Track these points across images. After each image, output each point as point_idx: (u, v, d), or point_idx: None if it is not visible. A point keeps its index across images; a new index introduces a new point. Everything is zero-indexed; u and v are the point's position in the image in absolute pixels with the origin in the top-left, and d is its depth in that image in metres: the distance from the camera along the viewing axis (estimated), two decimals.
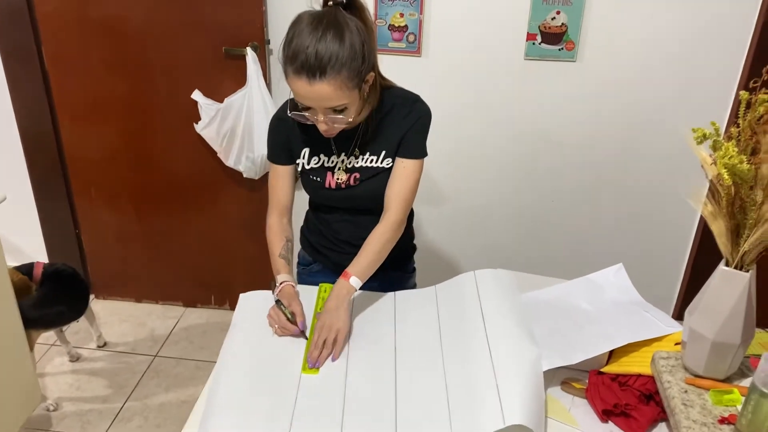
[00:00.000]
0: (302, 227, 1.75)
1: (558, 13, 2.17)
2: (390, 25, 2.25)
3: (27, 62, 2.39)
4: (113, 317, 2.78)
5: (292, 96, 1.37)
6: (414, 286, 1.77)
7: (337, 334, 1.33)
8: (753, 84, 0.97)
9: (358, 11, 1.33)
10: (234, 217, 2.62)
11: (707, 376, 1.14)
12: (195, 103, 2.35)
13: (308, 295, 1.50)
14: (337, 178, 1.51)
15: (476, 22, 2.22)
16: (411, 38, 2.27)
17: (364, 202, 1.54)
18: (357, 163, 1.50)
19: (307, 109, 1.33)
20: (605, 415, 1.21)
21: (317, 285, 1.55)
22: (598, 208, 2.46)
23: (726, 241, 1.04)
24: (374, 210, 1.53)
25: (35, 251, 2.81)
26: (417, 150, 1.49)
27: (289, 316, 1.38)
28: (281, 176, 1.56)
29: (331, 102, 1.29)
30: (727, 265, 1.06)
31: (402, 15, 2.24)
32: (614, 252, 2.50)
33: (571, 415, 1.23)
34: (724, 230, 1.03)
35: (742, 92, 1.00)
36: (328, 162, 1.51)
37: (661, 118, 2.27)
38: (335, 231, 1.63)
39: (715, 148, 0.94)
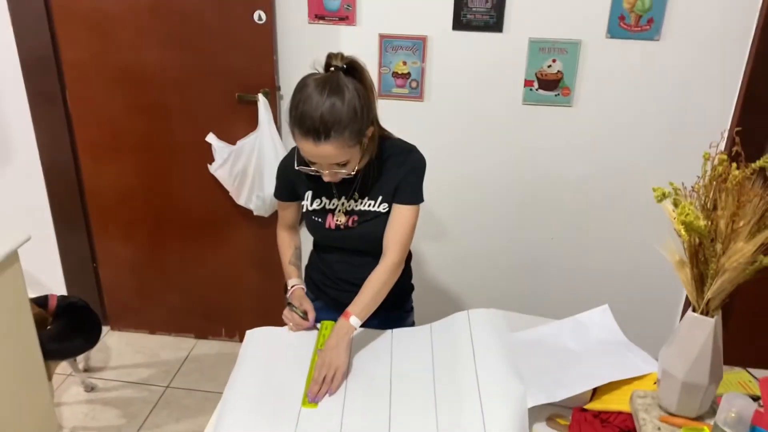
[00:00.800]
0: (306, 266, 1.85)
1: (554, 61, 2.28)
2: (393, 72, 2.37)
3: (52, 105, 2.53)
4: (128, 348, 2.88)
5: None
6: (412, 324, 1.85)
7: (336, 372, 1.42)
8: (712, 146, 1.06)
9: (358, 73, 1.45)
10: (244, 252, 2.73)
11: (680, 414, 1.21)
12: (209, 145, 2.47)
13: (309, 334, 1.61)
14: (337, 220, 1.63)
15: (476, 69, 2.33)
16: (413, 84, 2.39)
17: (362, 243, 1.65)
18: (356, 206, 1.61)
19: (313, 163, 1.48)
20: None
21: (319, 320, 1.65)
22: (594, 249, 2.54)
23: (692, 288, 1.12)
24: (371, 251, 1.64)
25: (54, 284, 2.93)
26: (413, 196, 1.60)
27: (301, 315, 1.60)
28: (287, 208, 1.76)
29: (334, 159, 1.43)
30: (693, 311, 1.14)
31: (405, 63, 2.36)
32: (608, 292, 2.57)
33: None
34: (689, 278, 1.12)
35: (704, 152, 1.09)
36: (329, 204, 1.63)
37: (654, 162, 2.36)
38: (335, 270, 1.74)
39: (675, 204, 1.03)
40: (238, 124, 2.44)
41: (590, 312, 1.57)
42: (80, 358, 2.69)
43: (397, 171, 1.59)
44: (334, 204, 1.63)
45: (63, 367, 2.71)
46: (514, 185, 2.48)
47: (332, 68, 1.43)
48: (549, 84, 2.32)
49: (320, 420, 1.33)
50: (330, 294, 1.76)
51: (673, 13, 2.16)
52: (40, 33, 2.42)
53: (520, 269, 2.62)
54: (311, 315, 1.61)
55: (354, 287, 1.60)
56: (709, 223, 1.02)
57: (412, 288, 1.87)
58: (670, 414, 1.22)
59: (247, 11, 2.30)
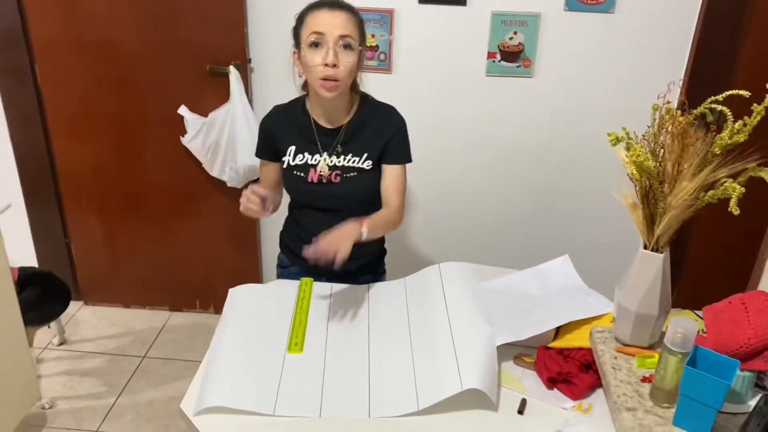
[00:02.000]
0: (281, 232, 1.92)
1: (515, 33, 2.39)
2: None
3: (21, 80, 2.54)
4: (102, 322, 2.91)
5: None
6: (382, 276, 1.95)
7: (336, 253, 1.44)
8: (660, 97, 1.17)
9: None
10: (218, 224, 2.78)
11: (633, 344, 1.33)
12: (181, 117, 2.52)
13: (290, 289, 1.68)
14: (320, 172, 1.69)
15: (441, 41, 2.42)
16: (382, 57, 2.47)
17: (342, 200, 1.71)
18: (339, 162, 1.70)
19: (318, 47, 1.53)
20: (550, 382, 1.39)
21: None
22: (556, 212, 2.67)
23: (643, 227, 1.24)
24: (349, 210, 1.66)
25: (26, 259, 2.94)
26: (404, 156, 1.73)
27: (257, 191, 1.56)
28: (267, 171, 1.79)
29: (344, 29, 1.53)
30: (645, 248, 1.26)
31: (373, 36, 2.43)
32: (569, 246, 2.70)
33: (522, 384, 1.41)
34: (641, 218, 1.23)
35: (653, 103, 1.20)
36: (311, 160, 1.70)
37: (610, 125, 2.48)
38: (311, 233, 1.74)
39: (627, 149, 1.14)
40: (210, 96, 2.49)
41: (552, 262, 1.69)
42: (55, 331, 2.72)
43: (380, 129, 1.69)
44: (316, 159, 1.70)
45: (38, 340, 2.74)
46: (479, 154, 2.59)
47: None
48: (511, 56, 2.43)
49: (304, 365, 1.41)
50: (307, 261, 1.81)
51: None
52: (7, 5, 2.41)
53: (486, 234, 2.74)
54: (267, 196, 1.57)
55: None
56: (658, 164, 1.14)
57: (384, 252, 1.96)
58: (625, 345, 1.35)
59: None
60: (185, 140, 2.53)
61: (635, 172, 1.13)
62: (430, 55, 2.45)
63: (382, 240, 1.91)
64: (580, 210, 2.65)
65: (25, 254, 2.92)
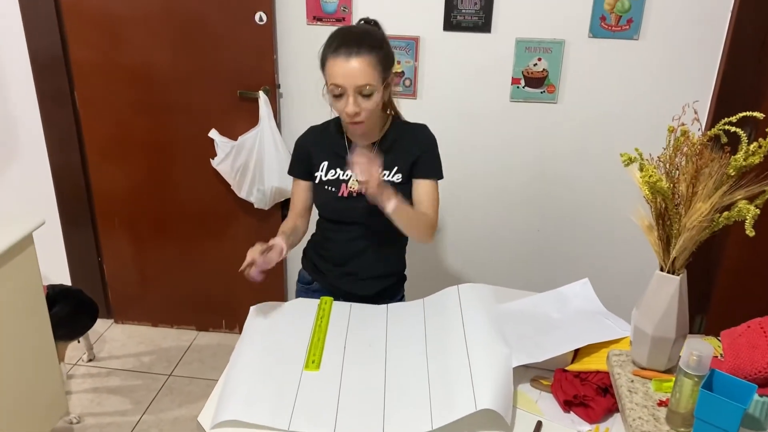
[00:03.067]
0: (305, 248, 1.95)
1: (539, 59, 2.41)
2: None
3: (61, 104, 2.65)
4: (131, 340, 2.97)
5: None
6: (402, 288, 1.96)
7: (368, 182, 1.49)
8: (674, 119, 1.18)
9: (381, 30, 1.70)
10: (245, 245, 2.80)
11: (650, 367, 1.32)
12: (212, 140, 2.59)
13: (310, 307, 1.70)
14: (351, 187, 1.72)
15: (466, 67, 2.46)
16: (407, 83, 2.51)
17: (370, 213, 1.67)
18: None
19: (340, 94, 1.56)
20: (566, 405, 1.38)
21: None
22: (579, 233, 2.65)
23: (659, 249, 1.23)
24: (379, 226, 1.66)
25: (59, 277, 3.03)
26: (436, 170, 1.75)
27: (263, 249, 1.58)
28: (300, 189, 1.82)
29: (362, 78, 1.53)
30: (661, 270, 1.25)
31: (399, 62, 2.48)
32: (592, 271, 2.67)
33: (538, 407, 1.40)
34: (656, 240, 1.23)
35: (669, 125, 1.21)
36: (343, 175, 1.74)
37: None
38: (336, 251, 1.82)
39: (640, 169, 1.14)
40: (240, 120, 2.56)
41: (571, 285, 1.69)
42: (84, 348, 2.78)
43: (411, 144, 1.73)
44: (348, 175, 1.73)
45: (68, 357, 2.81)
46: (503, 179, 2.60)
47: (360, 21, 1.69)
48: (535, 82, 2.45)
49: (321, 382, 1.43)
50: (327, 277, 1.86)
51: (651, 14, 2.30)
52: (50, 33, 2.53)
53: (508, 261, 2.73)
54: (276, 246, 1.61)
55: (351, 276, 1.74)
56: (672, 185, 1.14)
57: (404, 278, 1.96)
58: (642, 368, 1.33)
59: (248, 13, 2.42)
60: (215, 163, 2.60)
61: (648, 192, 1.13)
62: (454, 80, 2.49)
63: (402, 265, 1.93)
64: (604, 235, 2.64)
65: (59, 272, 3.01)
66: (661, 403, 1.24)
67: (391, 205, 1.55)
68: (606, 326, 1.52)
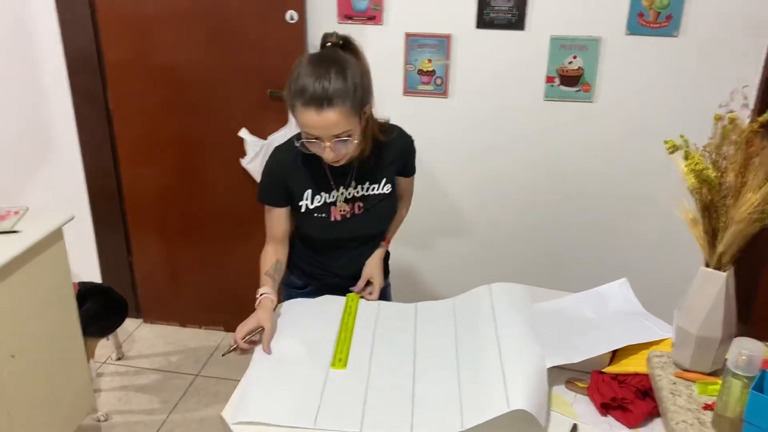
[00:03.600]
0: (291, 255, 1.80)
1: (575, 57, 2.35)
2: (419, 69, 2.46)
3: (94, 103, 2.67)
4: (159, 339, 2.97)
5: (293, 135, 1.59)
6: (388, 287, 1.92)
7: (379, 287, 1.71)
8: (722, 107, 1.12)
9: (354, 53, 1.52)
10: None
11: (694, 369, 1.25)
12: (241, 140, 2.58)
13: (336, 305, 1.66)
14: (341, 210, 1.66)
15: (499, 66, 2.41)
16: (438, 81, 2.47)
17: (369, 227, 1.73)
18: (357, 193, 1.67)
19: (315, 139, 1.47)
20: (604, 408, 1.32)
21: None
22: (615, 239, 2.58)
23: (704, 243, 1.17)
24: (372, 237, 1.77)
25: (91, 277, 3.04)
26: (413, 169, 1.81)
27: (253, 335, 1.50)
28: (277, 217, 1.69)
29: (337, 128, 1.44)
30: (706, 266, 1.19)
31: (430, 61, 2.45)
32: (630, 271, 2.60)
33: (573, 409, 1.34)
34: (702, 234, 1.17)
35: (715, 114, 1.15)
36: (329, 198, 1.65)
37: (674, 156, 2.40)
38: (332, 265, 1.78)
39: (685, 157, 1.09)
40: (270, 119, 2.55)
41: (609, 285, 1.62)
42: (113, 347, 2.79)
43: (393, 152, 1.69)
44: (334, 196, 1.65)
45: (98, 355, 2.81)
46: (537, 180, 2.54)
47: (329, 44, 1.51)
48: (570, 80, 2.39)
49: (348, 381, 1.39)
50: (324, 281, 1.79)
51: (692, 9, 2.22)
52: (85, 34, 2.56)
53: (542, 264, 2.67)
54: (266, 333, 1.50)
55: (351, 277, 1.74)
56: (719, 174, 1.08)
57: (388, 254, 1.90)
58: (685, 370, 1.27)
59: (279, 11, 2.41)
60: (244, 162, 2.59)
61: (694, 181, 1.07)
62: (487, 79, 2.44)
63: (387, 258, 1.91)
64: (641, 236, 2.55)
65: (90, 272, 3.03)
66: (706, 407, 1.17)
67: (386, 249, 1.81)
68: (645, 327, 1.46)
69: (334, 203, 1.66)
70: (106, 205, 2.87)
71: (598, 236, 2.59)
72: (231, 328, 3.01)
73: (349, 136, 1.47)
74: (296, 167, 1.63)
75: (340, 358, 1.46)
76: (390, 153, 1.69)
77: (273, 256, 1.70)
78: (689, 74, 2.30)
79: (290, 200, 1.66)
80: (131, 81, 2.61)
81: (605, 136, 2.44)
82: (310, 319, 1.61)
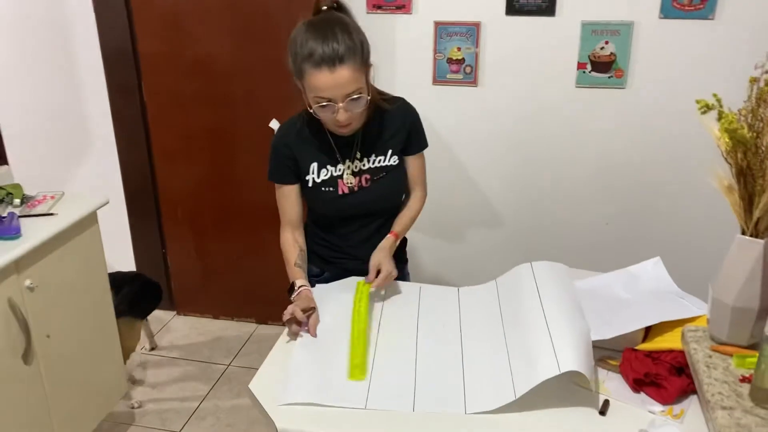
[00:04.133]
0: (307, 240, 1.79)
1: (606, 42, 2.31)
2: (448, 58, 2.45)
3: (129, 96, 2.72)
4: (192, 331, 3.00)
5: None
6: (407, 275, 1.90)
7: (388, 275, 1.58)
8: (757, 68, 1.09)
9: (346, 11, 1.55)
10: None
11: (731, 342, 1.21)
12: (272, 131, 2.59)
13: (345, 288, 1.63)
14: (348, 182, 1.64)
15: (529, 53, 2.38)
16: (468, 70, 2.46)
17: (378, 201, 1.69)
18: (363, 165, 1.65)
19: (327, 102, 1.45)
20: (637, 385, 1.29)
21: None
22: (650, 230, 2.52)
23: (740, 210, 1.13)
24: (385, 211, 1.73)
25: (126, 269, 3.10)
26: (422, 143, 1.74)
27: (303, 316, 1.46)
28: (288, 195, 1.69)
29: (350, 86, 1.44)
30: (743, 234, 1.15)
31: (459, 49, 2.43)
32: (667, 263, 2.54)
33: (605, 387, 1.31)
34: (737, 200, 1.13)
35: (750, 77, 1.11)
36: (336, 171, 1.64)
37: (710, 143, 2.33)
38: (347, 244, 1.74)
39: (719, 117, 1.05)
40: (299, 109, 2.55)
41: (642, 264, 1.59)
42: (146, 337, 2.83)
43: (399, 123, 1.66)
44: (340, 169, 1.64)
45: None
46: (568, 169, 2.50)
47: (323, 8, 1.53)
48: (602, 66, 2.35)
49: (395, 363, 1.38)
50: (342, 264, 1.76)
51: None
52: (121, 28, 2.61)
53: (576, 253, 2.62)
54: (313, 318, 1.49)
55: (365, 261, 1.63)
56: (755, 136, 1.04)
57: (405, 240, 1.88)
58: (721, 344, 1.23)
59: (308, 2, 2.42)
60: None
61: (728, 141, 1.04)
62: (517, 67, 2.42)
63: (403, 246, 1.88)
64: (677, 224, 2.49)
65: (125, 264, 3.08)
66: (743, 379, 1.13)
67: (396, 243, 1.70)
68: (680, 304, 1.42)
69: (341, 176, 1.64)
70: (141, 198, 2.92)
71: (634, 224, 2.53)
72: (262, 319, 3.05)
73: (360, 93, 1.47)
74: (301, 141, 1.63)
75: (356, 364, 1.36)
76: (393, 122, 1.66)
77: (295, 245, 1.70)
78: (725, 58, 2.24)
79: (298, 176, 1.66)
80: (165, 74, 2.66)
81: (639, 124, 2.38)
82: (335, 305, 1.58)
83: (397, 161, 1.68)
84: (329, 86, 1.43)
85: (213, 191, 2.84)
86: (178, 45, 2.60)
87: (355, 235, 1.73)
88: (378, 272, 1.60)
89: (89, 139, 2.85)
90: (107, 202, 1.97)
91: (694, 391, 1.25)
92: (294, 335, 1.48)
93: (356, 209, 1.69)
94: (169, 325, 3.05)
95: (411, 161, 1.72)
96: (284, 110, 2.57)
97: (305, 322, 1.47)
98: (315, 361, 1.39)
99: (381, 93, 1.66)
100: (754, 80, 1.11)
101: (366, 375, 1.34)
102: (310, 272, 1.80)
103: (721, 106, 1.06)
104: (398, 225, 1.72)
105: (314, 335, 1.47)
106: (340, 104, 1.45)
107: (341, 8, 1.55)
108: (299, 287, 1.59)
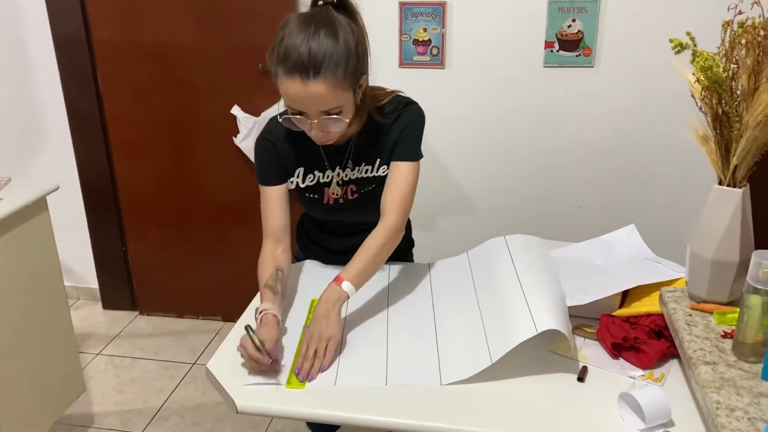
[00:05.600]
0: (297, 228, 1.70)
1: (574, 20, 2.28)
2: (414, 39, 2.40)
3: (84, 85, 2.61)
4: (156, 330, 2.88)
5: (279, 110, 1.43)
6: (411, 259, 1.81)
7: (327, 343, 1.23)
8: (730, 9, 1.05)
9: (350, 14, 1.30)
10: None
11: (711, 300, 1.16)
12: (234, 117, 2.52)
13: (300, 310, 1.45)
14: (333, 193, 1.48)
15: (496, 33, 2.34)
16: (435, 51, 2.41)
17: (365, 214, 1.49)
18: (352, 175, 1.47)
19: (299, 114, 1.27)
20: (615, 350, 1.23)
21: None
22: (621, 207, 2.48)
23: (717, 159, 1.09)
24: (374, 225, 1.42)
25: (85, 269, 2.98)
26: (411, 152, 1.43)
27: (258, 345, 1.18)
28: (274, 200, 1.46)
29: (325, 104, 1.23)
30: (720, 184, 1.11)
31: (425, 30, 2.38)
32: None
33: (583, 354, 1.26)
34: (714, 149, 1.09)
35: (723, 21, 1.07)
36: (323, 177, 1.47)
37: (676, 114, 2.31)
38: (334, 248, 1.62)
39: (693, 56, 1.01)
40: (262, 95, 2.48)
41: (616, 232, 1.55)
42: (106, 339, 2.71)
43: (393, 128, 1.43)
44: (328, 176, 1.47)
45: (90, 346, 2.74)
46: (538, 150, 2.46)
47: (320, 2, 1.29)
48: (570, 45, 2.32)
49: (365, 341, 1.32)
50: (322, 260, 1.66)
51: None
52: (72, 13, 2.51)
53: (548, 237, 2.57)
54: (269, 346, 1.20)
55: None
56: (730, 75, 1.00)
57: (412, 243, 1.79)
58: (701, 302, 1.18)
59: None
60: (237, 140, 2.52)
61: (704, 80, 0.99)
62: (484, 47, 2.37)
63: (409, 228, 1.72)
64: (649, 202, 2.46)
65: (84, 264, 2.97)
66: (725, 335, 1.09)
67: (351, 293, 1.32)
68: (656, 268, 1.37)
69: (328, 184, 1.47)
70: (98, 192, 2.80)
71: (605, 204, 2.50)
72: (229, 317, 2.94)
73: (339, 113, 1.26)
74: (289, 140, 1.43)
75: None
76: (391, 128, 1.43)
77: (271, 263, 1.43)
78: (697, 34, 2.22)
79: (286, 176, 1.46)
80: (121, 62, 2.55)
81: (608, 102, 2.35)
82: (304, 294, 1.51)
83: (386, 172, 1.45)
84: (300, 99, 1.23)
85: (175, 184, 2.73)
86: (135, 30, 2.50)
87: (344, 242, 1.58)
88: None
89: (42, 131, 2.73)
90: (57, 188, 1.86)
91: (674, 355, 1.20)
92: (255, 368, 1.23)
93: (340, 218, 1.55)
94: (132, 326, 2.92)
95: (391, 170, 1.43)
96: (249, 98, 2.51)
97: (266, 361, 1.19)
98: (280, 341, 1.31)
99: (381, 98, 1.43)
100: (726, 23, 1.06)
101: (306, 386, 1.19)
102: (297, 255, 1.71)
103: (695, 45, 1.02)
104: (348, 269, 1.34)
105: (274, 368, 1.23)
106: (314, 120, 1.26)
107: (343, 5, 1.30)
108: (261, 312, 1.32)
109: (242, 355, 1.23)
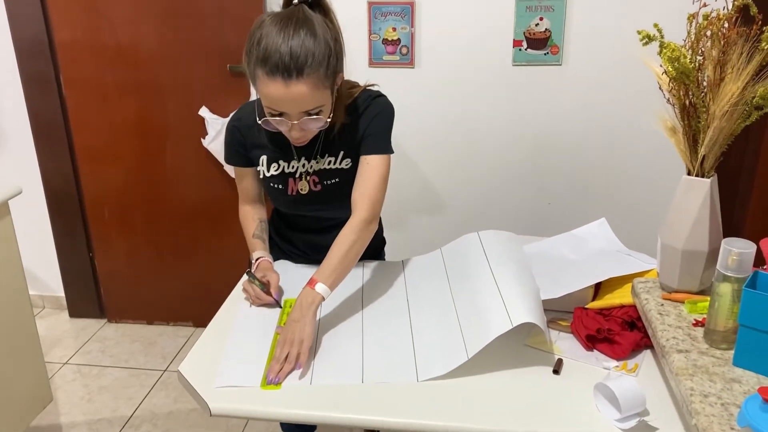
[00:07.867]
0: (269, 224, 1.67)
1: (541, 19, 2.30)
2: (384, 39, 2.39)
3: (46, 88, 2.55)
4: (125, 338, 2.82)
5: (253, 100, 1.42)
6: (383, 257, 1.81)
7: (301, 346, 1.21)
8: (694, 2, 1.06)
9: (325, 12, 1.29)
10: (241, 234, 2.69)
11: (682, 289, 1.17)
12: (202, 119, 2.48)
13: (272, 311, 1.42)
14: (300, 187, 1.47)
15: (465, 32, 2.35)
16: (404, 51, 2.41)
17: (328, 208, 1.50)
18: (317, 167, 1.46)
19: (279, 115, 1.26)
20: (589, 341, 1.24)
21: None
22: (591, 201, 2.51)
23: (685, 149, 1.10)
24: (343, 221, 1.39)
25: (50, 277, 2.91)
26: (380, 146, 1.42)
27: (262, 287, 1.37)
28: (245, 176, 1.54)
29: (307, 104, 1.23)
30: (688, 174, 1.12)
31: (395, 29, 2.38)
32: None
33: (558, 347, 1.26)
34: (682, 140, 1.10)
35: (688, 14, 1.09)
36: (288, 168, 1.46)
37: (644, 109, 2.34)
38: (304, 242, 1.60)
39: (661, 48, 1.02)
40: (230, 95, 2.46)
41: (587, 226, 1.56)
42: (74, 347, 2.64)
43: (360, 121, 1.42)
44: (294, 167, 1.46)
45: (58, 356, 2.67)
46: (508, 147, 2.48)
47: (295, 2, 1.28)
48: (538, 43, 2.34)
49: (340, 340, 1.30)
50: (299, 263, 1.63)
51: None
52: (33, 14, 2.45)
53: (517, 230, 2.59)
54: (273, 289, 1.38)
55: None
56: (697, 71, 1.01)
57: (384, 242, 1.79)
58: (672, 292, 1.19)
59: None
60: (206, 142, 2.49)
61: (671, 71, 1.00)
62: (453, 46, 2.38)
63: (380, 228, 1.71)
64: (617, 201, 2.49)
65: (49, 272, 2.89)
66: (696, 324, 1.10)
67: (326, 295, 1.31)
68: (628, 260, 1.38)
69: (293, 174, 1.46)
70: (63, 198, 2.73)
71: (577, 199, 2.52)
72: (200, 322, 2.89)
73: (318, 112, 1.27)
74: (255, 128, 1.43)
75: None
76: (359, 120, 1.42)
77: (254, 216, 1.58)
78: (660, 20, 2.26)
79: (250, 161, 1.50)
80: (85, 63, 2.50)
81: (576, 99, 2.38)
82: (240, 330, 1.39)
83: (349, 165, 1.45)
84: (282, 100, 1.22)
85: (142, 188, 2.68)
86: (99, 32, 2.45)
87: (313, 236, 1.58)
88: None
89: (3, 136, 2.66)
90: (20, 192, 1.81)
91: (647, 345, 1.22)
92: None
93: (308, 211, 1.54)
94: (100, 333, 2.86)
95: (360, 165, 1.42)
96: (217, 99, 2.48)
97: (271, 300, 1.39)
98: (252, 342, 1.30)
99: (354, 93, 1.43)
100: (692, 16, 1.08)
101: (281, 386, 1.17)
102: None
103: (662, 37, 1.03)
104: (322, 271, 1.32)
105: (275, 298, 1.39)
106: (294, 122, 1.26)
107: (317, 3, 1.29)
108: (257, 259, 1.50)
109: (246, 299, 1.42)
